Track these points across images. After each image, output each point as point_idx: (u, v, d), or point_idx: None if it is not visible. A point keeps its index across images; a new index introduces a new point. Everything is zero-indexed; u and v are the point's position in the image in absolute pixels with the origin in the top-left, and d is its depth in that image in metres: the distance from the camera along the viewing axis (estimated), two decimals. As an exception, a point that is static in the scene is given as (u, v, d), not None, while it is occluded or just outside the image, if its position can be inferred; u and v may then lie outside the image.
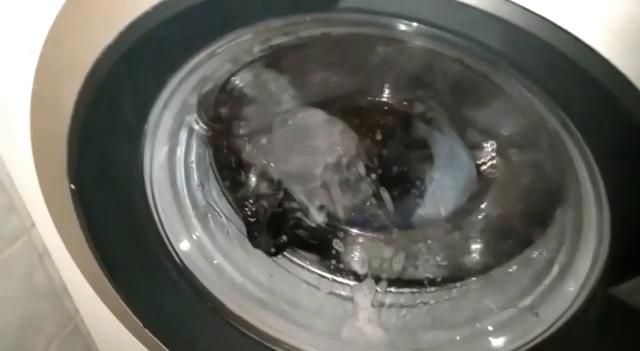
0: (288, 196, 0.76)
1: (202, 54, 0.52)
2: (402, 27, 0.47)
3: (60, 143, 0.59)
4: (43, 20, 0.52)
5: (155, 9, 0.46)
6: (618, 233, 0.49)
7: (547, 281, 0.65)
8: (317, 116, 0.69)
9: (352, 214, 0.78)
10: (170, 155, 0.68)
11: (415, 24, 0.45)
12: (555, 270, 0.63)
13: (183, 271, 0.72)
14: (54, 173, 0.63)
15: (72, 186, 0.62)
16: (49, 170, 0.64)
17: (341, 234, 0.81)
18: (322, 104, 0.69)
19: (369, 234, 0.82)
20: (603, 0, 0.39)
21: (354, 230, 0.82)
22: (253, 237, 0.76)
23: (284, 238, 0.78)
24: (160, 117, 0.60)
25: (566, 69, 0.42)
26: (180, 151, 0.70)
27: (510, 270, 0.71)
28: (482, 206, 0.74)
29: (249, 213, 0.76)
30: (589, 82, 0.41)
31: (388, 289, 0.78)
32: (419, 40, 0.51)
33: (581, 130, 0.45)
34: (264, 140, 0.74)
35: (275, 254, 0.78)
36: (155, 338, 0.75)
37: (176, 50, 0.51)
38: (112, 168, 0.62)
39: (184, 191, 0.72)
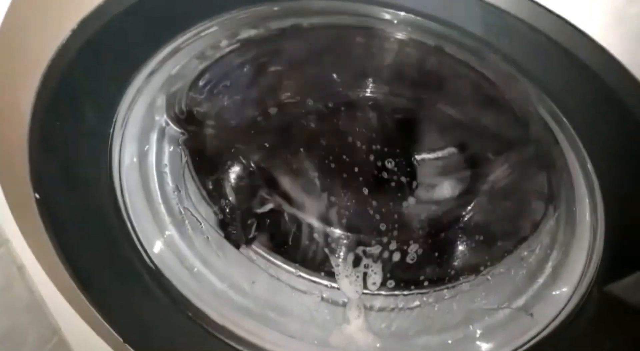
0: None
1: (166, 50, 0.49)
2: (378, 15, 0.44)
3: (21, 150, 0.56)
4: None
5: (108, 2, 0.43)
6: (613, 229, 0.47)
7: (540, 280, 0.62)
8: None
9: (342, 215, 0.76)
10: (141, 158, 0.65)
11: (392, 11, 0.42)
12: (548, 268, 0.61)
13: (159, 280, 0.69)
14: (18, 183, 0.60)
15: (37, 195, 0.59)
16: (13, 179, 0.61)
17: (325, 235, 0.78)
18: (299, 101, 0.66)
19: (356, 234, 0.79)
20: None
21: (338, 231, 0.79)
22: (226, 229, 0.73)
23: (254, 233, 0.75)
24: (127, 118, 0.57)
25: (555, 55, 0.39)
26: (151, 154, 0.66)
27: (502, 270, 0.68)
28: (472, 203, 0.71)
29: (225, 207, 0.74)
30: (579, 69, 0.38)
31: (378, 292, 0.75)
32: (397, 28, 0.48)
33: (572, 122, 0.42)
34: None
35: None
36: (136, 353, 0.72)
37: (135, 45, 0.47)
38: (78, 175, 0.58)
39: (158, 197, 0.69)
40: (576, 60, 0.38)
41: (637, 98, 0.38)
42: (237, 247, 0.75)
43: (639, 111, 0.39)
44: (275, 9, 0.45)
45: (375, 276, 0.75)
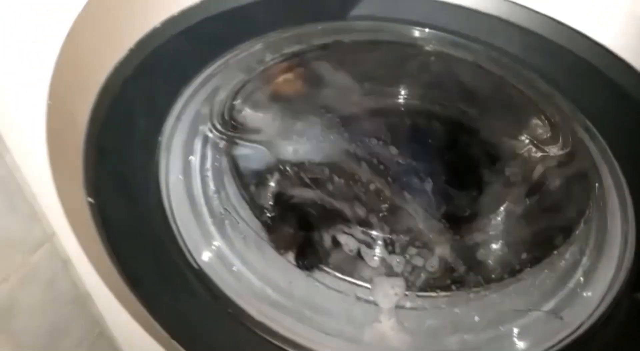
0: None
1: (214, 66, 0.52)
2: (416, 34, 0.46)
3: (76, 158, 0.59)
4: (55, 39, 0.52)
5: (164, 25, 0.46)
6: (644, 239, 0.48)
7: (570, 284, 0.64)
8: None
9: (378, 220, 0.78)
10: (186, 164, 0.68)
11: (427, 30, 0.44)
12: (579, 273, 0.62)
13: (202, 279, 0.73)
14: (73, 187, 0.63)
15: (91, 200, 0.62)
16: (68, 184, 0.65)
17: (362, 235, 0.80)
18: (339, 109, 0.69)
19: (393, 235, 0.81)
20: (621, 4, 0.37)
21: (374, 232, 0.82)
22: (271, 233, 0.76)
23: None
24: (175, 128, 0.60)
25: (588, 75, 0.40)
26: (195, 160, 0.69)
27: (533, 274, 0.70)
28: (503, 208, 0.73)
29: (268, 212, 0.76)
30: (612, 88, 0.40)
31: (410, 292, 0.77)
32: (433, 45, 0.50)
33: (605, 137, 0.44)
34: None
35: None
36: (181, 348, 0.76)
37: (187, 63, 0.50)
38: (129, 181, 0.62)
39: (200, 199, 0.72)
40: (607, 79, 0.40)
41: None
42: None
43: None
44: (319, 28, 0.48)
45: (409, 275, 0.77)
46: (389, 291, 0.77)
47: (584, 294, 0.61)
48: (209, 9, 0.44)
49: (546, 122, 0.60)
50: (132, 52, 0.48)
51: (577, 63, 0.39)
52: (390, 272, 0.80)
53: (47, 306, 0.87)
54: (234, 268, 0.76)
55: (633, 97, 0.39)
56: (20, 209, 0.76)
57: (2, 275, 0.75)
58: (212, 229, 0.74)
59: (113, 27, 0.49)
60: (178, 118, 0.59)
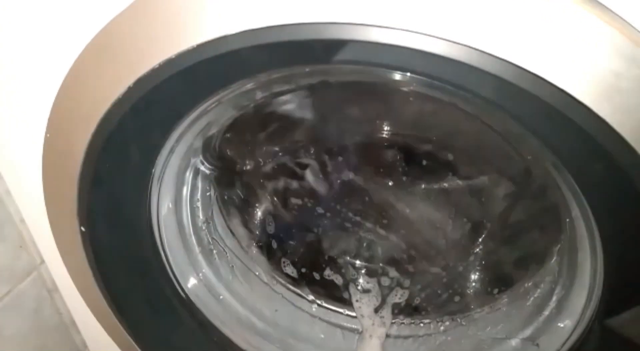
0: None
1: (207, 103, 0.55)
2: (396, 77, 0.50)
3: (71, 188, 0.61)
4: (56, 73, 0.55)
5: (162, 66, 0.49)
6: (611, 270, 0.51)
7: (546, 312, 0.66)
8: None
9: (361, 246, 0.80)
10: (177, 195, 0.70)
11: (408, 74, 0.48)
12: (553, 302, 0.65)
13: (189, 307, 0.74)
14: (65, 215, 0.65)
15: (83, 228, 0.64)
16: (60, 212, 0.66)
17: (347, 267, 0.82)
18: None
19: (375, 265, 0.83)
20: (590, 57, 0.41)
21: (359, 262, 0.84)
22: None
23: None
24: (168, 160, 0.63)
25: (553, 117, 0.44)
26: (186, 191, 0.72)
27: (510, 302, 0.72)
28: (480, 238, 0.76)
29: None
30: (576, 130, 0.43)
31: (392, 320, 0.79)
32: (413, 87, 0.54)
33: (570, 171, 0.47)
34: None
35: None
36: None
37: (182, 101, 0.53)
38: (122, 211, 0.64)
39: (189, 229, 0.74)
40: (574, 125, 0.43)
41: (626, 157, 0.43)
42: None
43: (629, 169, 0.44)
44: (307, 70, 0.51)
45: (390, 305, 0.79)
46: (373, 321, 0.79)
47: (558, 322, 0.64)
48: (204, 52, 0.47)
49: (517, 158, 0.64)
50: (130, 90, 0.51)
51: (541, 106, 0.43)
52: (375, 302, 0.81)
53: (31, 334, 0.87)
54: (221, 297, 0.78)
55: (592, 135, 0.43)
56: (9, 238, 0.78)
57: (-13, 304, 0.75)
58: (200, 258, 0.76)
59: (114, 65, 0.52)
60: (171, 151, 0.61)
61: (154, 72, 0.49)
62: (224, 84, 0.51)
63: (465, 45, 0.42)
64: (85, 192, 0.61)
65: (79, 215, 0.63)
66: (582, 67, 0.41)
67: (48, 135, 0.59)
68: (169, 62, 0.48)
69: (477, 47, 0.42)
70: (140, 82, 0.50)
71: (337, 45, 0.45)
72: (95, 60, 0.52)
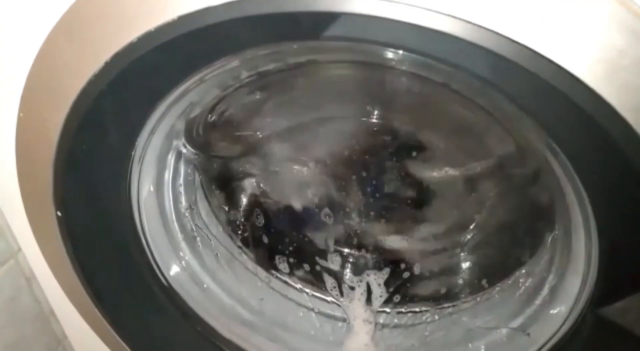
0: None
1: (190, 81, 0.52)
2: (389, 55, 0.47)
3: (46, 170, 0.59)
4: (28, 50, 0.52)
5: (140, 40, 0.46)
6: (606, 258, 0.50)
7: (537, 301, 0.65)
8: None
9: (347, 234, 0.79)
10: (159, 179, 0.68)
11: (401, 52, 0.46)
12: (545, 290, 0.64)
13: (171, 295, 0.72)
14: (40, 200, 0.62)
15: (59, 213, 0.61)
16: (35, 196, 0.64)
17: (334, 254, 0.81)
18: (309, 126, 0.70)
19: (360, 253, 0.82)
20: (590, 32, 0.39)
21: (346, 249, 0.82)
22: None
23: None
24: (148, 142, 0.60)
25: (551, 97, 0.42)
26: (168, 175, 0.69)
27: (501, 291, 0.71)
28: (472, 226, 0.74)
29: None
30: (574, 110, 0.42)
31: (380, 309, 0.78)
32: (405, 66, 0.52)
33: (566, 154, 0.46)
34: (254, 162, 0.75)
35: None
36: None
37: (163, 78, 0.51)
38: (100, 195, 0.62)
39: (172, 215, 0.72)
40: (573, 104, 0.42)
41: (625, 139, 0.42)
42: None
43: (628, 151, 0.42)
44: (295, 46, 0.49)
45: (379, 294, 0.78)
46: (361, 310, 0.78)
47: (551, 311, 0.63)
48: (185, 25, 0.45)
49: (512, 141, 0.62)
50: (108, 66, 0.49)
51: (540, 85, 0.41)
52: (362, 290, 0.80)
53: (8, 323, 0.85)
54: (205, 285, 0.76)
55: (591, 115, 0.41)
56: (-16, 225, 0.75)
57: (-38, 291, 0.73)
58: (183, 245, 0.74)
59: (89, 39, 0.49)
60: (152, 132, 0.59)
61: (132, 47, 0.47)
62: (206, 60, 0.49)
63: (461, 19, 0.40)
64: (60, 174, 0.58)
65: (55, 199, 0.61)
66: (583, 43, 0.40)
67: (21, 114, 0.56)
68: (148, 36, 0.46)
69: (473, 21, 0.40)
70: (117, 57, 0.48)
71: (328, 18, 0.43)
72: (70, 34, 0.50)
